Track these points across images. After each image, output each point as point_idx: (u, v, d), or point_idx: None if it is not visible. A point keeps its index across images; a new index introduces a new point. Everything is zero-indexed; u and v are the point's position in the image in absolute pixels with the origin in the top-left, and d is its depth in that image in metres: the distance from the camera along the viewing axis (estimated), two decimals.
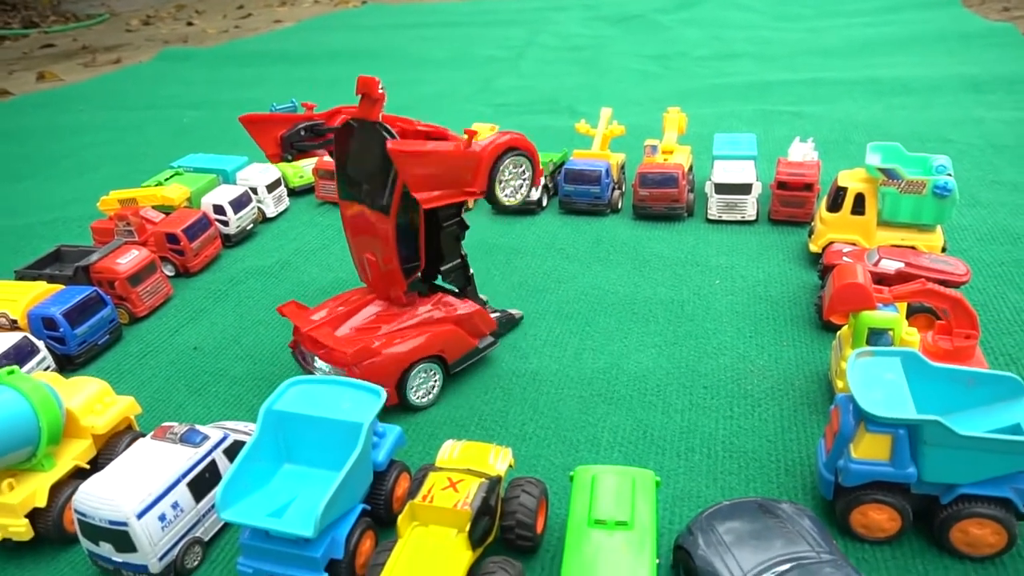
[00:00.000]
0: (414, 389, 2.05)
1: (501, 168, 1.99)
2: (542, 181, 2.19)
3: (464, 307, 2.16)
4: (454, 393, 2.13)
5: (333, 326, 2.10)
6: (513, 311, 2.40)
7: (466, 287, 2.25)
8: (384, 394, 1.62)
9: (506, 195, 2.05)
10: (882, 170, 2.39)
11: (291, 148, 2.20)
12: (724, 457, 1.83)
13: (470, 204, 2.21)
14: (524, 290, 2.64)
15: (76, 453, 1.75)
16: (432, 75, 5.88)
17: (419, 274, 2.12)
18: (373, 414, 1.57)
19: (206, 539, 1.68)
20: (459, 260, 2.20)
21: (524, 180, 2.07)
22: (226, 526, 1.73)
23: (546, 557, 1.60)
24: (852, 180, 2.50)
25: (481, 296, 2.32)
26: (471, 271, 2.25)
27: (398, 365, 1.99)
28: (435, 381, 2.09)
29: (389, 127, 1.96)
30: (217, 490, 1.47)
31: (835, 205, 2.51)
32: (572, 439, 1.93)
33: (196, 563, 1.64)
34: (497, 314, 2.32)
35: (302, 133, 2.21)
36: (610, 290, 2.59)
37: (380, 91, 2.01)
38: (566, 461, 1.86)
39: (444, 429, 2.00)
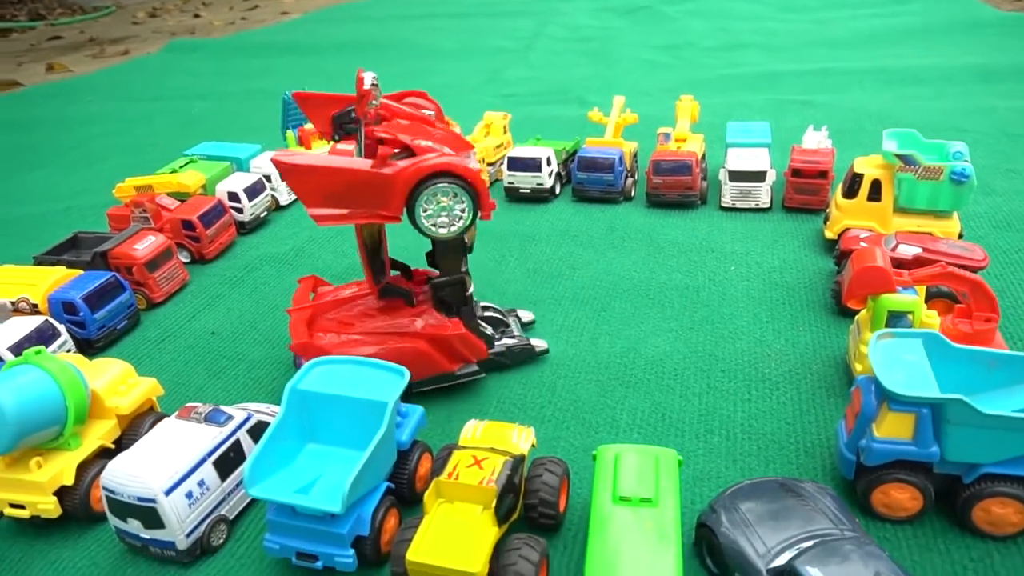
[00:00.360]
0: None
1: (424, 196, 1.76)
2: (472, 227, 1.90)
3: (446, 329, 1.97)
4: (474, 378, 2.14)
5: (323, 310, 2.10)
6: (537, 342, 2.16)
7: (461, 307, 2.03)
8: (407, 374, 1.63)
9: (433, 225, 1.81)
10: (899, 156, 2.39)
11: (340, 129, 2.07)
12: (743, 439, 1.84)
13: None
14: (539, 276, 2.65)
15: (101, 433, 1.77)
16: (440, 66, 5.88)
17: (385, 282, 2.05)
18: (397, 393, 1.58)
19: (231, 517, 1.69)
20: (457, 277, 1.99)
21: (458, 214, 1.80)
22: (250, 505, 1.75)
23: (568, 535, 1.61)
24: (868, 166, 2.50)
25: (486, 327, 2.12)
26: (470, 291, 2.02)
27: None
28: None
29: (373, 129, 1.84)
30: (244, 468, 1.49)
31: (851, 192, 2.51)
32: (591, 421, 1.94)
33: (221, 540, 1.66)
34: (512, 342, 2.12)
35: (352, 115, 2.10)
36: (625, 276, 2.60)
37: (364, 88, 1.89)
38: (585, 442, 1.87)
39: (462, 411, 2.01)
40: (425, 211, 1.79)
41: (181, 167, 3.15)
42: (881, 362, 1.53)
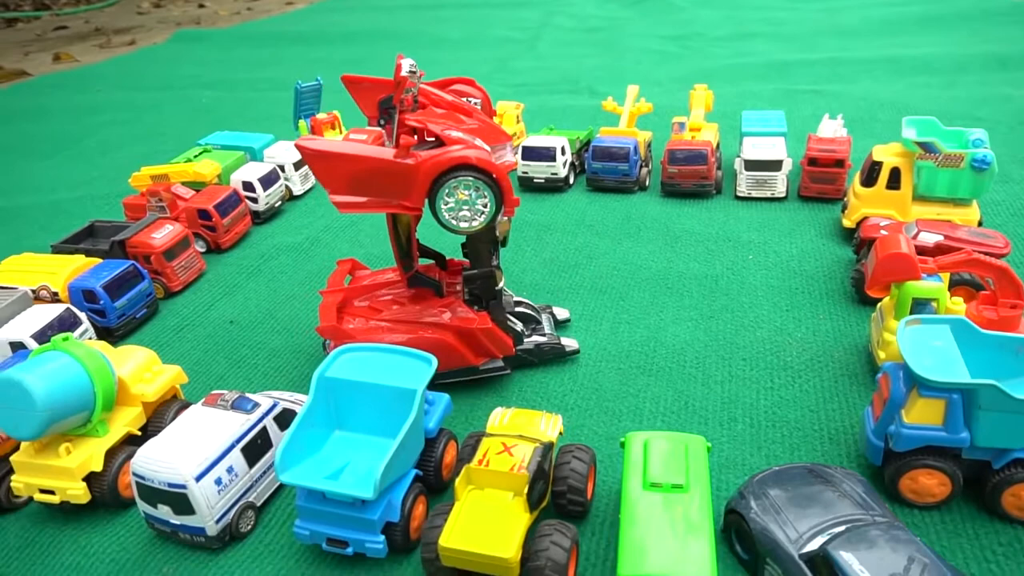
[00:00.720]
0: None
1: (446, 188, 1.72)
2: (505, 221, 1.88)
3: (473, 323, 1.96)
4: None
5: (355, 294, 2.11)
6: (568, 342, 2.11)
7: (491, 301, 2.00)
8: (435, 361, 1.63)
9: (454, 220, 1.77)
10: (920, 144, 2.39)
11: (384, 114, 2.03)
12: (767, 427, 1.84)
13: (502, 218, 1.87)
14: (556, 265, 2.65)
15: (128, 420, 1.77)
16: (448, 55, 5.86)
17: (413, 272, 2.03)
18: (425, 380, 1.58)
19: (258, 504, 1.70)
20: (486, 270, 1.96)
21: (480, 208, 1.77)
22: (277, 492, 1.76)
23: (595, 521, 1.62)
24: (887, 154, 2.50)
25: (516, 323, 2.08)
26: (500, 285, 2.00)
27: None
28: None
29: (402, 115, 1.81)
30: (275, 454, 1.49)
31: (870, 180, 2.51)
32: (614, 409, 1.94)
33: (249, 527, 1.66)
34: (542, 340, 2.09)
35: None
36: (642, 265, 2.60)
37: (402, 74, 1.84)
38: (609, 430, 1.87)
39: (485, 400, 2.01)
40: (447, 204, 1.76)
41: (196, 156, 3.15)
42: (910, 348, 1.53)
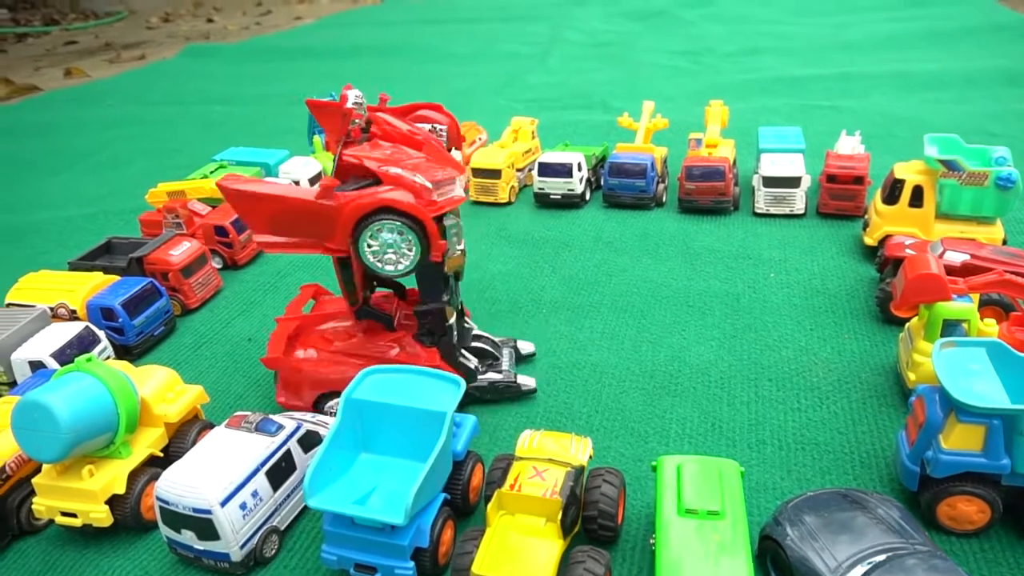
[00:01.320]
0: (333, 412, 1.97)
1: (369, 231, 1.66)
2: (458, 255, 1.89)
3: (419, 360, 1.91)
4: None
5: (311, 322, 2.06)
6: (524, 380, 2.02)
7: (441, 337, 1.93)
8: (463, 384, 1.61)
9: (379, 263, 1.71)
10: (943, 161, 2.37)
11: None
12: (796, 449, 1.82)
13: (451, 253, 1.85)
14: (575, 283, 2.63)
15: (150, 441, 1.75)
16: (457, 70, 5.88)
17: (359, 304, 1.97)
18: (455, 403, 1.56)
19: (282, 528, 1.68)
20: (437, 305, 1.88)
21: (405, 251, 1.70)
22: (300, 516, 1.73)
23: (626, 547, 1.59)
24: (909, 172, 2.48)
25: (470, 359, 2.01)
26: (451, 321, 1.93)
27: (314, 387, 1.96)
28: (316, 416, 1.94)
29: (343, 153, 1.77)
30: (304, 478, 1.47)
31: (892, 197, 2.49)
32: (640, 431, 1.92)
33: (273, 552, 1.64)
34: (496, 377, 2.01)
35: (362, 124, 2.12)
36: (662, 283, 2.58)
37: (347, 106, 1.80)
38: (636, 452, 1.85)
39: (509, 420, 1.99)
40: (370, 247, 1.71)
41: (212, 172, 3.14)
42: (946, 372, 1.51)
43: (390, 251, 1.69)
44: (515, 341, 2.19)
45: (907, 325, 1.97)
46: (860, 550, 1.36)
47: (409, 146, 1.86)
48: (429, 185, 1.70)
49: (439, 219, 1.80)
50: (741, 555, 1.33)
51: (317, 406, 2.01)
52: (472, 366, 2.01)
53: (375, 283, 2.09)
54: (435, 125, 2.07)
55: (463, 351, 2.03)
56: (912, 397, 1.63)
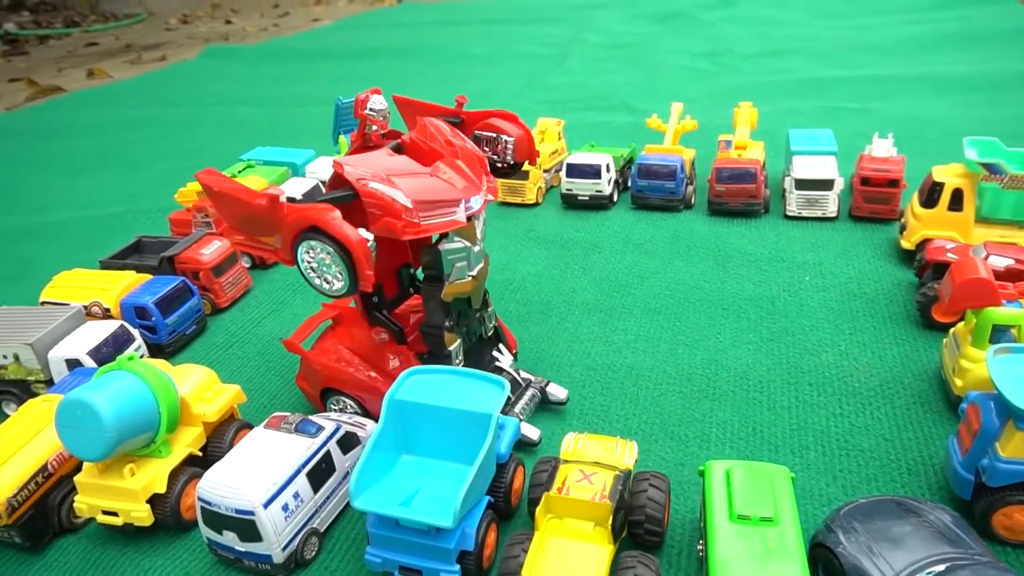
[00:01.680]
0: (334, 411, 2.00)
1: (304, 245, 1.61)
2: (467, 281, 1.82)
3: None
4: None
5: (355, 316, 2.01)
6: (528, 431, 1.86)
7: (439, 360, 1.86)
8: (507, 386, 1.59)
9: (317, 279, 1.65)
10: (984, 165, 2.34)
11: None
12: (841, 455, 1.79)
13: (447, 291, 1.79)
14: (607, 285, 2.61)
15: (189, 440, 1.74)
16: (476, 71, 5.87)
17: (375, 312, 1.92)
18: (499, 405, 1.54)
19: (322, 530, 1.66)
20: (434, 329, 1.83)
21: (335, 275, 1.62)
22: (338, 518, 1.72)
23: (671, 552, 1.57)
24: (949, 175, 2.45)
25: None
26: (450, 348, 1.84)
27: (319, 380, 1.96)
28: (354, 417, 1.94)
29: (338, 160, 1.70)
30: (349, 479, 1.46)
31: (930, 201, 2.46)
32: (680, 435, 1.89)
33: (313, 554, 1.63)
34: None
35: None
36: (695, 286, 2.55)
37: (362, 111, 1.84)
38: (677, 456, 1.83)
39: (546, 424, 1.97)
40: (308, 263, 1.64)
41: (239, 172, 3.15)
42: (1003, 379, 1.48)
43: (324, 270, 1.63)
44: (547, 383, 2.01)
45: (952, 331, 1.94)
46: (917, 559, 1.33)
47: (440, 160, 1.78)
48: (409, 205, 1.59)
49: (435, 242, 1.76)
50: (796, 563, 1.30)
51: (323, 399, 2.00)
52: None
53: (411, 289, 2.06)
54: (501, 136, 2.00)
55: None
56: (964, 404, 1.60)
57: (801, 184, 2.89)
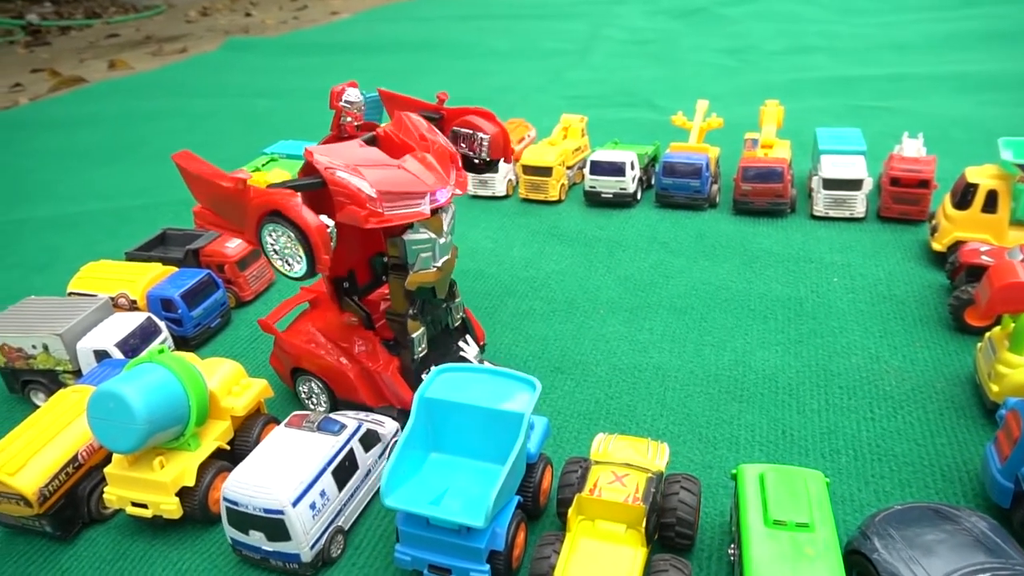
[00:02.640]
0: (303, 392, 2.05)
1: (267, 228, 1.66)
2: (432, 272, 1.85)
3: (376, 364, 1.91)
4: (577, 385, 2.09)
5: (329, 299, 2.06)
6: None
7: (403, 349, 1.92)
8: (538, 386, 1.58)
9: (277, 260, 1.69)
10: (1021, 166, 2.29)
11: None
12: (873, 460, 1.76)
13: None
14: (632, 283, 2.59)
15: (217, 434, 1.75)
16: (497, 66, 5.85)
17: (345, 298, 1.97)
18: (531, 404, 1.53)
19: (346, 528, 1.66)
20: (398, 316, 1.88)
21: (296, 257, 1.66)
22: (362, 516, 1.72)
23: (701, 556, 1.55)
24: (982, 176, 2.40)
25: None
26: (413, 336, 1.89)
27: (289, 360, 2.01)
28: (322, 400, 2.02)
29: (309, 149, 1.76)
30: (381, 477, 1.45)
31: (963, 202, 2.41)
32: (708, 436, 1.88)
33: (339, 552, 1.62)
34: None
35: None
36: (721, 286, 2.53)
37: (338, 103, 1.90)
38: (705, 458, 1.81)
39: (572, 422, 1.96)
40: (271, 245, 1.68)
41: (263, 165, 3.15)
42: None
43: (286, 253, 1.67)
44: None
45: (987, 335, 1.90)
46: (956, 568, 1.30)
47: (411, 153, 1.82)
48: (374, 195, 1.63)
49: (399, 232, 1.79)
50: (834, 569, 1.28)
51: (293, 380, 2.04)
52: None
53: (384, 277, 2.08)
54: (477, 133, 2.05)
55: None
56: (1003, 410, 1.57)
57: (829, 184, 2.85)
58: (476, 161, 2.11)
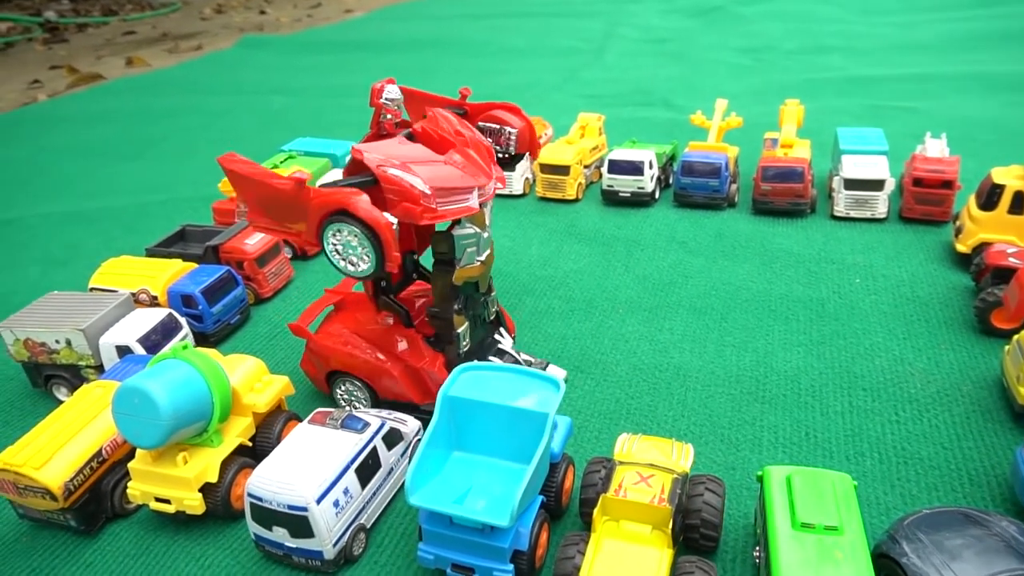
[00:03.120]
0: (340, 393, 2.04)
1: (331, 229, 1.66)
2: (476, 266, 1.87)
3: (421, 361, 1.91)
4: (597, 384, 2.08)
5: (359, 299, 2.07)
6: (554, 371, 1.96)
7: (447, 344, 1.93)
8: (563, 385, 1.57)
9: (342, 261, 1.70)
10: None
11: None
12: (898, 463, 1.74)
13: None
14: (651, 283, 2.58)
15: (239, 430, 1.75)
16: (513, 65, 5.84)
17: (388, 295, 1.96)
18: (555, 404, 1.52)
19: (368, 526, 1.66)
20: (443, 312, 1.88)
21: (362, 256, 1.66)
22: (384, 514, 1.72)
23: (726, 558, 1.54)
24: (1010, 177, 2.37)
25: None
26: (459, 331, 1.90)
27: (325, 363, 1.99)
28: (361, 400, 2.01)
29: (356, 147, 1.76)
30: (406, 475, 1.45)
31: (989, 203, 2.39)
32: (730, 438, 1.86)
33: (361, 550, 1.62)
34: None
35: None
36: (741, 286, 2.51)
37: (378, 100, 1.92)
38: (728, 460, 1.79)
39: (592, 422, 1.95)
40: (330, 244, 1.69)
41: (281, 162, 3.16)
42: None
43: (350, 252, 1.67)
44: (548, 364, 2.05)
45: (1015, 338, 1.87)
46: (987, 573, 1.29)
47: (451, 148, 1.83)
48: (427, 191, 1.63)
49: (447, 228, 1.79)
50: (863, 573, 1.27)
51: (329, 382, 2.02)
52: None
53: (415, 275, 2.09)
54: (504, 128, 2.05)
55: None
56: None
57: (851, 184, 2.83)
58: (502, 155, 2.11)
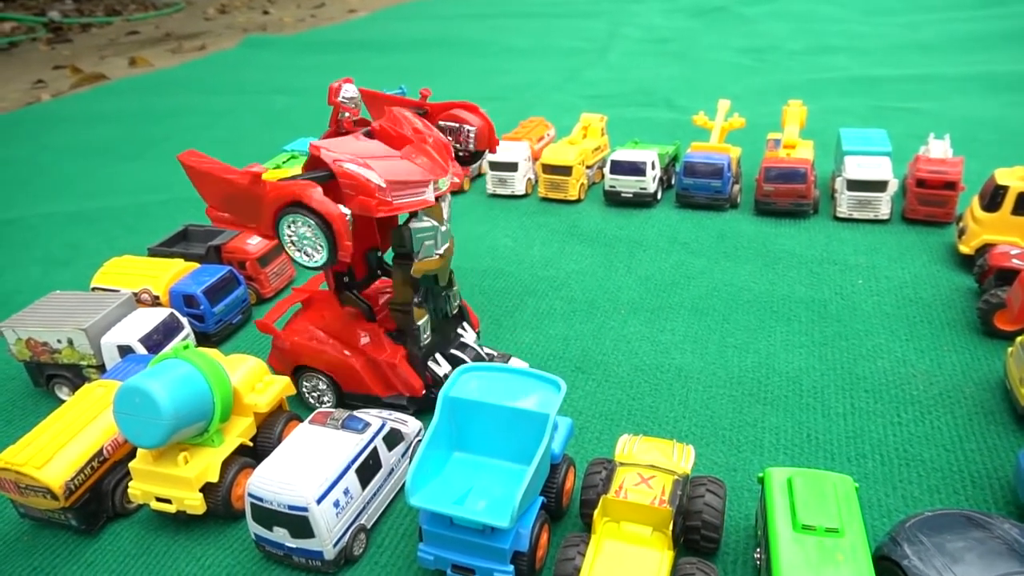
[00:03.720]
0: (306, 389, 2.07)
1: (286, 220, 1.68)
2: (434, 259, 1.91)
3: (383, 354, 1.94)
4: (599, 385, 2.08)
5: (325, 297, 2.09)
6: (515, 363, 1.99)
7: (407, 336, 1.96)
8: (563, 386, 1.57)
9: (297, 252, 1.71)
10: None
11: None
12: (900, 465, 1.74)
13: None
14: (652, 284, 2.57)
15: (240, 430, 1.75)
16: (515, 65, 5.84)
17: (349, 291, 2.00)
18: (556, 405, 1.52)
19: (368, 526, 1.66)
20: (403, 305, 1.92)
21: (317, 247, 1.68)
22: (384, 514, 1.71)
23: (726, 559, 1.54)
24: (1013, 178, 2.37)
25: (441, 365, 1.99)
26: (419, 324, 1.94)
27: (291, 358, 2.03)
28: (326, 396, 2.05)
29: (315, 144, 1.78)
30: (406, 476, 1.45)
31: (992, 205, 2.38)
32: (732, 439, 1.86)
33: (361, 550, 1.62)
34: (443, 372, 2.00)
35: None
36: (743, 287, 2.50)
37: (336, 99, 1.94)
38: (729, 461, 1.79)
39: (593, 422, 1.95)
40: (289, 236, 1.70)
41: (284, 162, 3.16)
42: None
43: (305, 243, 1.70)
44: (509, 357, 2.09)
45: (1018, 340, 1.87)
46: None
47: (410, 145, 1.85)
48: (383, 184, 1.66)
49: (404, 221, 1.83)
50: (865, 574, 1.26)
51: (295, 377, 2.05)
52: (442, 373, 1.98)
53: (379, 271, 2.13)
54: (464, 126, 2.09)
55: (438, 356, 2.02)
56: None
57: (854, 185, 2.82)
58: (462, 153, 2.13)
